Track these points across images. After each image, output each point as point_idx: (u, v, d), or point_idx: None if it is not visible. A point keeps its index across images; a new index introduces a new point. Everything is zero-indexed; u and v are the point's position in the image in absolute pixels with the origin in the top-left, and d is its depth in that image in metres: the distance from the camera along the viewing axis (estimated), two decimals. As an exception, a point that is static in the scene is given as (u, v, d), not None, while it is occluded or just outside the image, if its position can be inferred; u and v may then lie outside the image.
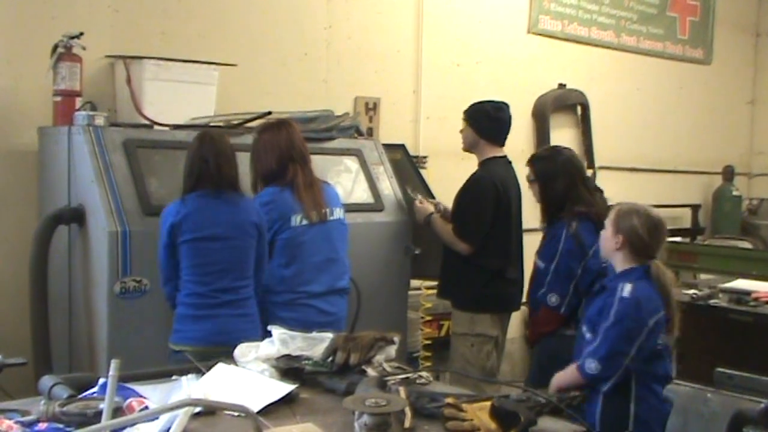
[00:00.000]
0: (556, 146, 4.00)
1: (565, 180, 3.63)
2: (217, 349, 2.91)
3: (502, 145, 4.10)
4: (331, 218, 3.53)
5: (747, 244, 6.64)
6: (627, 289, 2.88)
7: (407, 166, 4.62)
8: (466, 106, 4.21)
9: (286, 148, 3.45)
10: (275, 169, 3.45)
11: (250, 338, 3.00)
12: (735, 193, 7.98)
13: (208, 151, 3.19)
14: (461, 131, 4.15)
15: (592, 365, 2.84)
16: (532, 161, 3.82)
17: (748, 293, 4.47)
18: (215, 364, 2.37)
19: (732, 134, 8.40)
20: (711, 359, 3.48)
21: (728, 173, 7.97)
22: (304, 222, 3.43)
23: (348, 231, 3.65)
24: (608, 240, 3.01)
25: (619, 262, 2.98)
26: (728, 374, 2.18)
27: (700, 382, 2.53)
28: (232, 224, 3.18)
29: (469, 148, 4.15)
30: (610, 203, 3.50)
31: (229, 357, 2.44)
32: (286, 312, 3.32)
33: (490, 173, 3.98)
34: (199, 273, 3.14)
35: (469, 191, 3.97)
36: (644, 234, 2.92)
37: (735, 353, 4.14)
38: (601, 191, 3.82)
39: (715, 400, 2.13)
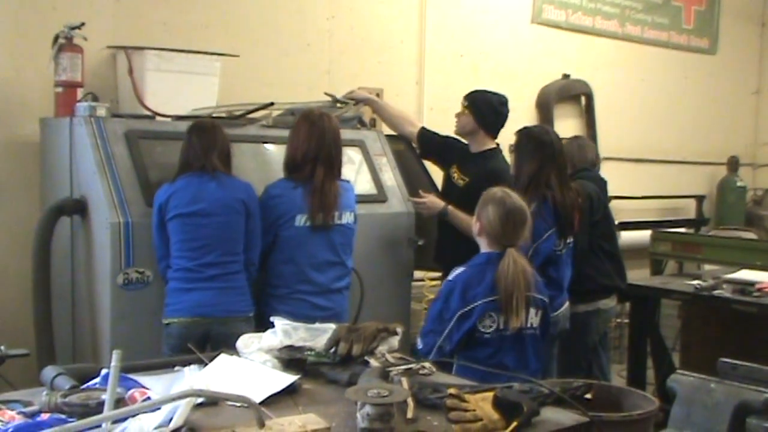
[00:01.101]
0: (548, 128, 3.99)
1: (536, 161, 3.60)
2: (204, 321, 3.16)
3: (497, 137, 4.14)
4: (338, 222, 3.49)
5: (751, 235, 6.61)
6: (456, 272, 3.04)
7: (410, 157, 4.60)
8: (470, 97, 4.21)
9: (316, 146, 3.42)
10: (297, 161, 3.44)
11: (237, 310, 3.24)
12: (740, 183, 7.95)
13: (197, 140, 3.29)
14: (458, 115, 4.14)
15: (418, 340, 3.05)
16: (519, 131, 3.79)
17: (752, 284, 4.45)
18: (218, 354, 2.37)
19: (737, 125, 8.36)
20: (714, 350, 3.47)
21: (733, 164, 7.94)
22: (308, 224, 3.40)
23: (354, 234, 3.61)
24: (473, 225, 3.12)
25: (482, 247, 3.07)
26: (732, 364, 2.17)
27: (704, 373, 2.52)
28: (217, 201, 3.25)
29: (464, 134, 4.16)
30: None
31: (214, 328, 2.49)
32: (281, 305, 3.30)
33: (505, 165, 4.05)
34: (186, 248, 3.21)
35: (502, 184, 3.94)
36: (496, 223, 2.99)
37: (739, 344, 4.13)
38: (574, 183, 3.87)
39: (718, 390, 2.12)
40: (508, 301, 2.92)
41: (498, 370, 2.79)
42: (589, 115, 6.84)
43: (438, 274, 4.30)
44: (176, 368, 2.33)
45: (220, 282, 3.24)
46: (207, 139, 3.31)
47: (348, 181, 3.65)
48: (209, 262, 3.22)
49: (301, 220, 3.40)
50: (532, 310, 3.02)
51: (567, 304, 3.79)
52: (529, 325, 3.02)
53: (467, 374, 2.70)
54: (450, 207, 4.00)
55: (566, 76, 6.61)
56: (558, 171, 3.65)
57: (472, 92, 4.17)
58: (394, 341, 2.49)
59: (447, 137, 4.31)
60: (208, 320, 3.16)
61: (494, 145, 4.10)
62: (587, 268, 4.02)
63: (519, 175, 3.65)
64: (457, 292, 2.96)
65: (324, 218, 3.42)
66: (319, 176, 3.40)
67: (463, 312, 2.93)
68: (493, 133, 4.12)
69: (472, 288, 2.96)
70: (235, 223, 3.28)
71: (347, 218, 3.54)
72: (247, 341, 2.46)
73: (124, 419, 1.80)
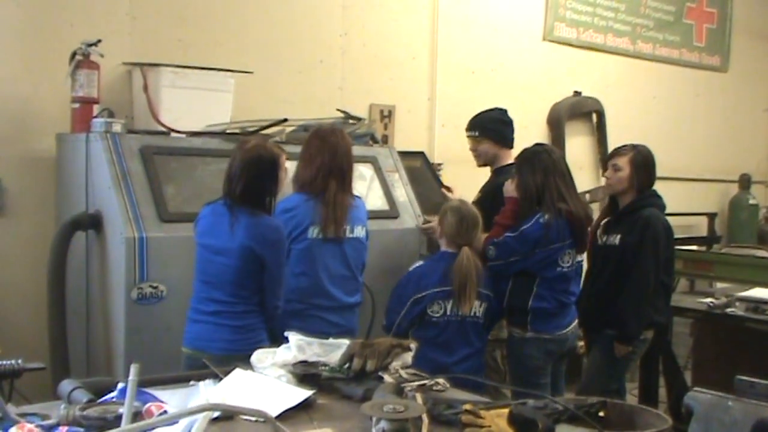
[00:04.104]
0: (543, 144, 4.05)
1: (541, 173, 3.63)
2: (201, 354, 2.89)
3: (513, 147, 4.17)
4: (350, 236, 3.48)
5: (764, 253, 6.56)
6: (415, 265, 3.70)
7: (426, 173, 4.62)
8: (481, 115, 4.23)
9: (328, 159, 3.40)
10: (309, 176, 3.41)
11: (235, 349, 2.92)
12: (752, 201, 7.93)
13: (234, 160, 3.11)
14: (474, 147, 4.14)
15: (383, 318, 3.63)
16: (518, 154, 3.83)
17: (765, 302, 4.44)
18: (233, 369, 2.38)
19: (749, 142, 8.35)
20: (727, 368, 3.46)
21: (745, 181, 7.93)
22: (320, 236, 3.39)
23: (367, 250, 3.61)
24: (435, 229, 3.74)
25: (442, 247, 3.67)
26: (750, 382, 2.16)
27: (717, 391, 2.51)
28: (225, 243, 3.06)
29: (488, 162, 4.16)
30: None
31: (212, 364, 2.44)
32: (295, 321, 3.19)
33: None
34: (199, 279, 3.14)
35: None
36: (453, 228, 3.57)
37: (752, 362, 4.11)
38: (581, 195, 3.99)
39: (736, 408, 2.11)
40: (461, 290, 3.49)
41: (443, 348, 3.50)
42: (600, 133, 6.85)
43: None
44: (192, 382, 2.34)
45: (221, 318, 3.07)
46: (234, 160, 3.10)
47: (359, 197, 3.65)
48: (214, 298, 3.08)
49: (313, 232, 3.39)
50: (477, 302, 3.55)
51: (576, 321, 3.79)
52: (472, 313, 3.56)
53: (420, 350, 3.08)
54: None
55: (577, 94, 6.63)
56: (564, 182, 3.67)
57: (475, 119, 4.19)
58: (408, 357, 2.48)
59: None
60: (205, 355, 2.87)
61: (512, 161, 4.10)
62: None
63: (526, 189, 3.66)
64: (413, 281, 3.57)
65: (335, 230, 3.40)
66: (332, 189, 3.39)
67: (416, 298, 3.52)
68: (511, 146, 4.15)
69: (425, 278, 3.55)
70: (239, 267, 3.05)
71: (359, 232, 3.54)
72: (262, 356, 2.46)
73: (142, 433, 1.81)
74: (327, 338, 2.54)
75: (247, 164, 3.08)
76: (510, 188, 3.75)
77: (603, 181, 6.62)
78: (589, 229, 3.83)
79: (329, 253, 3.43)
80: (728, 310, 4.46)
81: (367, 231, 3.60)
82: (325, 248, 3.42)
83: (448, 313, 3.52)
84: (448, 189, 4.42)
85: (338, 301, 3.45)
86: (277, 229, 3.15)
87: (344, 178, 3.46)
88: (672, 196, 7.30)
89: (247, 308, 3.10)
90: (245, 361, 2.48)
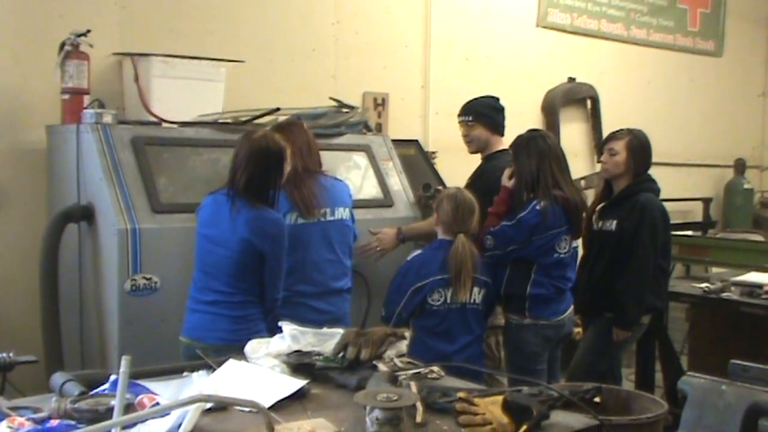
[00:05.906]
0: (538, 130, 4.01)
1: (536, 158, 3.62)
2: (198, 345, 2.88)
3: (504, 134, 4.15)
4: (331, 218, 3.46)
5: (759, 237, 6.57)
6: (414, 254, 3.68)
7: (420, 161, 4.60)
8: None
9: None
10: None
11: (232, 339, 2.88)
12: (747, 186, 7.94)
13: (240, 150, 3.07)
14: (467, 132, 4.11)
15: (382, 309, 3.61)
16: (512, 142, 3.82)
17: (760, 286, 4.45)
18: (226, 360, 2.37)
19: (743, 127, 8.35)
20: (723, 352, 3.46)
21: (740, 166, 7.93)
22: (300, 220, 3.37)
23: (352, 232, 3.59)
24: (433, 218, 3.70)
25: (439, 235, 3.63)
26: (743, 366, 2.16)
27: (713, 376, 2.51)
28: (223, 234, 3.04)
29: (480, 146, 4.13)
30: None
31: (210, 354, 2.42)
32: (283, 309, 3.18)
33: (502, 164, 3.98)
34: (199, 269, 3.14)
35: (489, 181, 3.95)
36: (450, 215, 3.54)
37: (747, 346, 4.11)
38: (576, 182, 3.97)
39: (730, 392, 2.11)
40: (456, 276, 3.48)
41: (444, 336, 3.49)
42: (595, 119, 6.84)
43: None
44: (185, 374, 2.33)
45: (220, 308, 3.05)
46: (240, 150, 3.06)
47: (340, 180, 3.64)
48: (213, 288, 3.07)
49: (291, 218, 3.35)
50: (476, 289, 3.55)
51: (572, 308, 3.79)
52: (472, 300, 3.56)
53: (421, 339, 3.35)
54: (403, 227, 3.93)
55: (572, 80, 6.61)
56: (559, 168, 3.67)
57: (469, 105, 4.15)
58: (402, 345, 2.48)
59: None
60: (202, 345, 2.88)
61: (503, 147, 4.08)
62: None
63: (522, 174, 3.66)
64: (413, 271, 3.55)
65: (313, 213, 3.37)
66: (294, 174, 3.33)
67: (416, 287, 3.50)
68: (502, 133, 4.13)
69: (425, 267, 3.53)
70: (239, 262, 3.03)
71: (341, 214, 3.51)
72: (256, 346, 2.45)
73: (134, 425, 1.80)
74: (315, 325, 2.53)
75: (253, 155, 3.04)
76: (505, 177, 3.74)
77: (598, 168, 6.68)
78: (584, 214, 3.82)
79: (312, 236, 3.40)
80: (723, 294, 4.47)
81: (352, 212, 3.58)
82: (306, 232, 3.38)
83: (448, 301, 3.52)
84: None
85: (323, 286, 3.42)
86: (278, 222, 3.11)
87: (304, 162, 3.40)
88: (667, 181, 7.27)
89: (246, 299, 3.08)
90: (243, 352, 2.46)
